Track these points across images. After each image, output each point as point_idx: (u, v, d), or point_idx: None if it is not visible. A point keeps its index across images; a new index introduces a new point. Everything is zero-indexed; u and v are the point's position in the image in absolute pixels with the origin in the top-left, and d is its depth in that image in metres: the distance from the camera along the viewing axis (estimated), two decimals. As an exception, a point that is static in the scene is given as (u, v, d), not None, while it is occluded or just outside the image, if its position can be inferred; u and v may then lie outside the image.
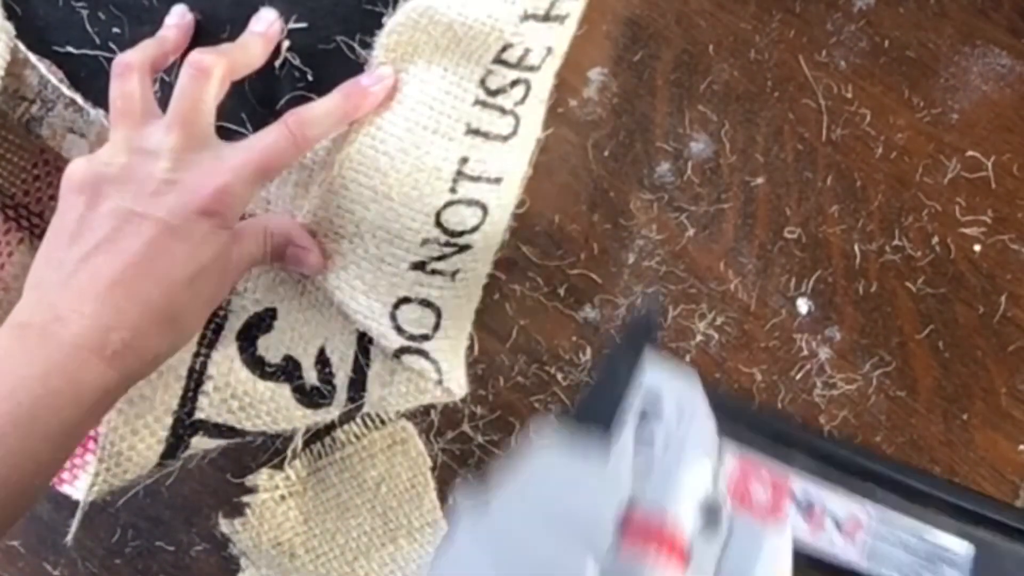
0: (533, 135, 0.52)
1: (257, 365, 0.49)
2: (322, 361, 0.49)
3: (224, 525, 0.53)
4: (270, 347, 0.50)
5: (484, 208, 0.49)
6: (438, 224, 0.48)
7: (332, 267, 0.49)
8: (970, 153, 0.53)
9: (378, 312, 0.48)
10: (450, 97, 0.49)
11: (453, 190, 0.48)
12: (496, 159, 0.49)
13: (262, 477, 0.53)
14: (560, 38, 0.51)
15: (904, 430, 0.52)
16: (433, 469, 0.53)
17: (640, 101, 0.55)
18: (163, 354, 0.44)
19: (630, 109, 0.55)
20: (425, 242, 0.48)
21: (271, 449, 0.53)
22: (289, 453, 0.53)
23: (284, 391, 0.49)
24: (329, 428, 0.53)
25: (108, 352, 0.41)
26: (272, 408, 0.49)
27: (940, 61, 0.54)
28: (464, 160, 0.49)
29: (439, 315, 0.48)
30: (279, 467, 0.53)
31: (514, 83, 0.50)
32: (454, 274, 0.49)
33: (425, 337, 0.48)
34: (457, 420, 0.53)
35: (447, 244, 0.48)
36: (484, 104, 0.49)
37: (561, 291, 0.54)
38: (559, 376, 0.53)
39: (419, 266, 0.48)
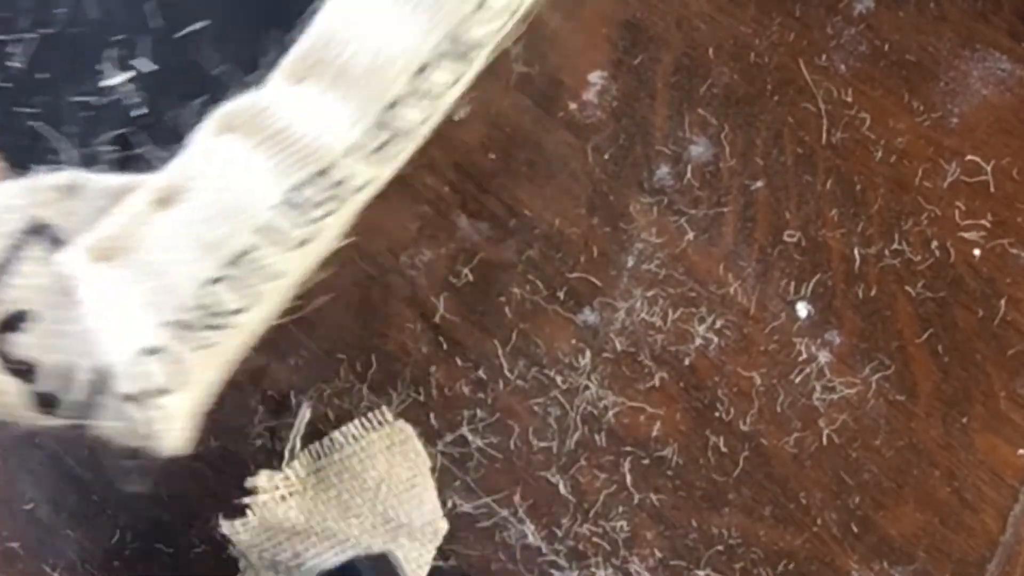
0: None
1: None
2: (61, 376, 0.50)
3: (224, 526, 0.53)
4: (15, 344, 0.49)
5: (250, 294, 0.50)
6: (205, 295, 0.48)
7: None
8: (970, 157, 0.53)
9: (126, 356, 0.47)
10: (257, 192, 0.49)
11: (228, 267, 0.48)
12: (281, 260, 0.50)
13: (261, 479, 0.53)
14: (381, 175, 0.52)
15: (903, 434, 0.52)
16: (433, 470, 0.53)
17: (640, 104, 0.55)
18: None
19: (629, 112, 0.55)
20: (189, 308, 0.48)
21: (270, 450, 0.53)
22: (286, 454, 0.53)
23: (14, 386, 0.48)
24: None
25: None
26: None
27: (940, 65, 0.54)
28: (247, 251, 0.49)
29: (180, 377, 0.48)
30: (278, 468, 0.53)
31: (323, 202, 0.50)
32: (205, 346, 0.49)
33: (164, 392, 0.48)
34: (456, 423, 0.53)
35: (209, 317, 0.49)
36: (286, 207, 0.49)
37: (560, 294, 0.54)
38: (558, 379, 0.53)
39: (178, 325, 0.48)
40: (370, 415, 0.53)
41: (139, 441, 0.49)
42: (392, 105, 0.49)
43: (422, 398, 0.54)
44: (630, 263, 0.54)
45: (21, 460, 0.53)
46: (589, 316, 0.53)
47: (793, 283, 0.53)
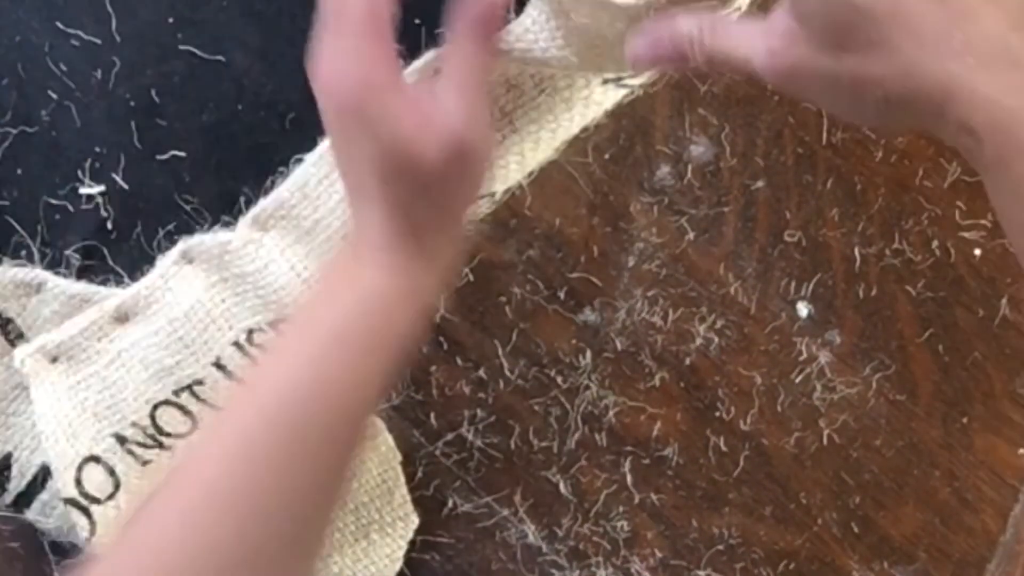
0: None
1: None
2: (4, 465, 0.51)
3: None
4: None
5: (195, 422, 0.51)
6: (151, 415, 0.50)
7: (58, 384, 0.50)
8: (970, 157, 0.53)
9: (68, 459, 0.49)
10: (214, 326, 0.51)
11: (176, 393, 0.50)
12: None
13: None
14: None
15: (904, 434, 0.52)
16: (406, 465, 0.53)
17: (640, 104, 0.55)
18: None
19: (630, 112, 0.55)
20: (134, 424, 0.50)
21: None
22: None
23: None
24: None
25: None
26: None
27: (940, 65, 0.54)
28: (198, 381, 0.50)
29: (117, 488, 0.50)
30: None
31: None
32: (145, 463, 0.50)
33: (96, 501, 0.49)
34: (456, 423, 0.53)
35: (151, 437, 0.50)
36: (240, 347, 0.51)
37: (561, 294, 0.54)
38: (559, 379, 0.53)
39: (120, 439, 0.50)
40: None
41: (67, 538, 0.50)
42: None
43: (422, 398, 0.54)
44: (631, 263, 0.54)
45: (21, 460, 0.53)
46: (589, 316, 0.53)
47: (794, 283, 0.53)
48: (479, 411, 0.53)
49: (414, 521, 0.51)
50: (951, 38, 0.32)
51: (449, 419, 0.53)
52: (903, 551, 0.51)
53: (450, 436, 0.53)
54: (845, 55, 0.33)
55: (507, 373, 0.53)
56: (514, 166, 0.51)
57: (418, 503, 0.52)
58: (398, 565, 0.51)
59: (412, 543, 0.51)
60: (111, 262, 0.52)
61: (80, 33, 0.53)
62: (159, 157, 0.53)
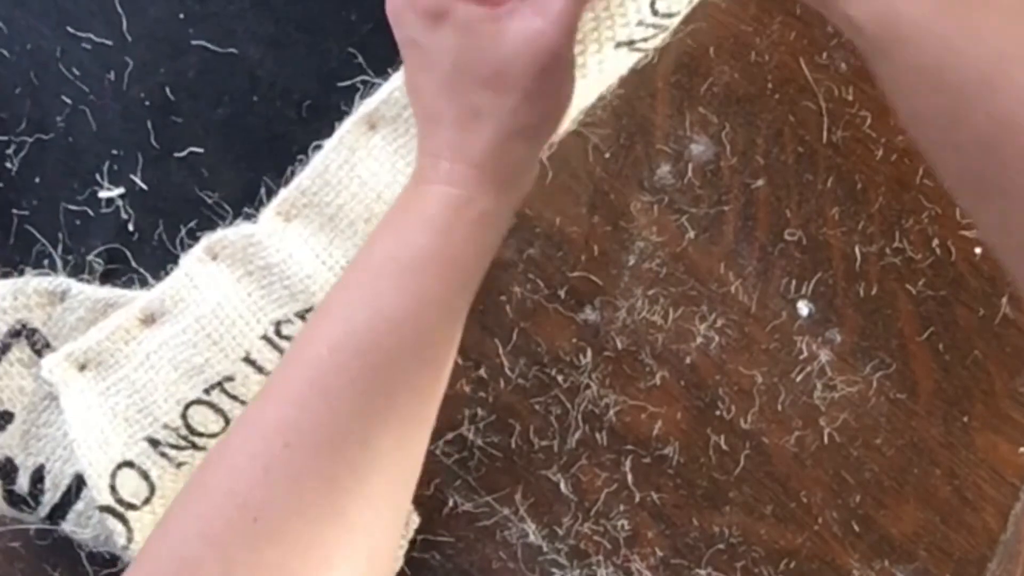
0: None
1: None
2: (38, 478, 0.50)
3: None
4: None
5: (227, 420, 0.50)
6: (183, 416, 0.50)
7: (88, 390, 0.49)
8: (971, 155, 0.53)
9: (101, 466, 0.49)
10: (242, 321, 0.50)
11: (207, 391, 0.50)
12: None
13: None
14: None
15: (904, 432, 0.52)
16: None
17: (640, 103, 0.55)
18: None
19: (630, 111, 0.55)
20: (166, 426, 0.50)
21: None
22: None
23: None
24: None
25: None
26: None
27: (941, 63, 0.54)
28: (229, 378, 0.50)
29: (152, 492, 0.49)
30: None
31: None
32: (179, 464, 0.50)
33: (133, 507, 0.49)
34: (457, 422, 0.53)
35: (184, 438, 0.50)
36: (269, 341, 0.51)
37: (561, 293, 0.54)
38: (559, 378, 0.53)
39: (153, 443, 0.50)
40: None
41: (104, 547, 0.50)
42: None
43: (423, 397, 0.53)
44: (631, 262, 0.54)
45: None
46: (590, 315, 0.53)
47: (794, 281, 0.53)
48: (479, 410, 0.53)
49: (414, 520, 0.51)
50: None
51: (449, 418, 0.53)
52: (904, 550, 0.51)
53: (450, 435, 0.53)
54: None
55: (507, 372, 0.53)
56: None
57: (418, 502, 0.52)
58: (398, 564, 0.51)
59: (412, 542, 0.51)
60: (134, 264, 0.52)
61: (91, 36, 0.53)
62: (177, 155, 0.53)
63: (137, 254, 0.52)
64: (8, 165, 0.53)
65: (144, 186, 0.52)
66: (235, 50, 0.53)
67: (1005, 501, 0.51)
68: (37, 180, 0.53)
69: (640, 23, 0.50)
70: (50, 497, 0.50)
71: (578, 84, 0.49)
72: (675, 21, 0.53)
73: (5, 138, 0.54)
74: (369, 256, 0.39)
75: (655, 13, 0.52)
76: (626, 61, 0.53)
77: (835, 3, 0.32)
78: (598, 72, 0.50)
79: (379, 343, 0.36)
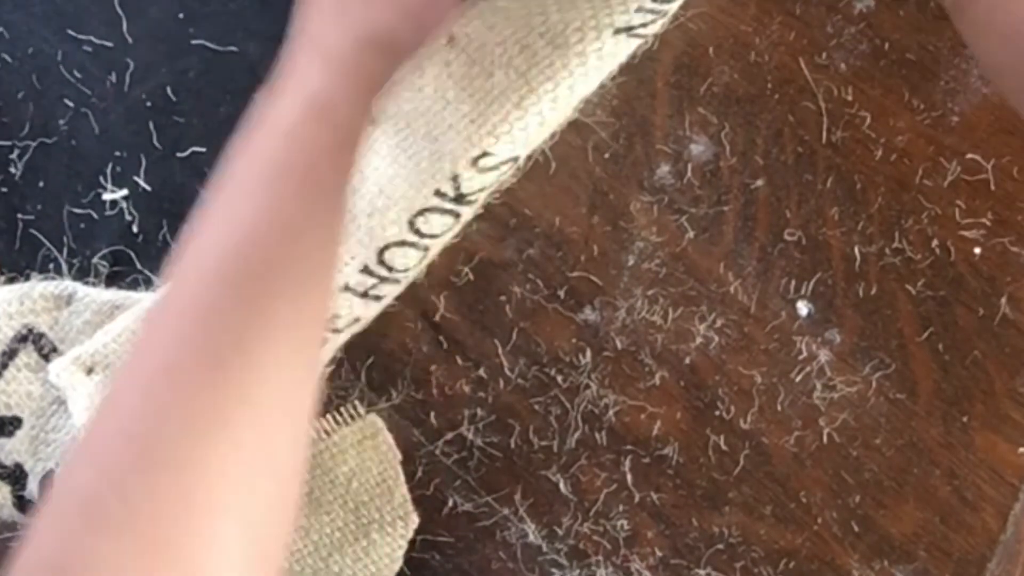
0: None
1: None
2: (48, 484, 0.51)
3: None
4: (5, 450, 0.51)
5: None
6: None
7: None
8: (970, 156, 0.53)
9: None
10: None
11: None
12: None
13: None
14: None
15: (904, 432, 0.52)
16: (406, 463, 0.53)
17: (640, 103, 0.55)
18: None
19: (630, 111, 0.55)
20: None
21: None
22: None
23: (4, 491, 0.51)
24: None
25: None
26: None
27: (940, 64, 0.54)
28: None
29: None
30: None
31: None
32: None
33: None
34: (456, 422, 0.53)
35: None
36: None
37: (561, 293, 0.54)
38: (559, 378, 0.53)
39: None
40: (342, 409, 0.53)
41: None
42: (384, 249, 0.50)
43: (422, 397, 0.54)
44: (631, 262, 0.54)
45: (21, 459, 0.53)
46: (590, 315, 0.53)
47: (794, 282, 0.53)
48: (479, 410, 0.53)
49: (414, 520, 0.51)
50: None
51: (449, 418, 0.53)
52: (903, 550, 0.50)
53: (450, 435, 0.53)
54: None
55: (507, 372, 0.53)
56: (535, 128, 0.51)
57: (418, 502, 0.52)
58: (398, 564, 0.51)
59: (412, 542, 0.51)
60: (139, 265, 0.52)
61: (92, 38, 0.53)
62: (179, 155, 0.53)
63: (142, 255, 0.52)
64: (12, 170, 0.53)
65: (147, 187, 0.52)
66: (235, 48, 0.53)
67: (1005, 501, 0.51)
68: (41, 184, 0.53)
69: (639, 9, 0.49)
70: None
71: (578, 72, 0.49)
72: (674, 6, 0.53)
73: (9, 143, 0.54)
74: (231, 172, 0.39)
75: None
76: (625, 48, 0.52)
77: None
78: (597, 60, 0.50)
79: (246, 257, 0.36)
